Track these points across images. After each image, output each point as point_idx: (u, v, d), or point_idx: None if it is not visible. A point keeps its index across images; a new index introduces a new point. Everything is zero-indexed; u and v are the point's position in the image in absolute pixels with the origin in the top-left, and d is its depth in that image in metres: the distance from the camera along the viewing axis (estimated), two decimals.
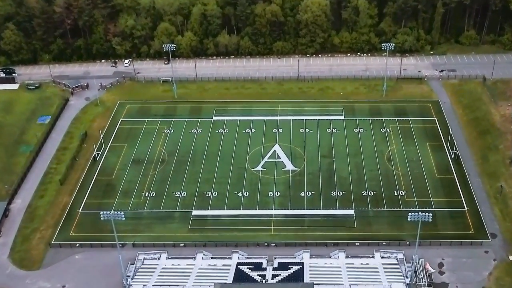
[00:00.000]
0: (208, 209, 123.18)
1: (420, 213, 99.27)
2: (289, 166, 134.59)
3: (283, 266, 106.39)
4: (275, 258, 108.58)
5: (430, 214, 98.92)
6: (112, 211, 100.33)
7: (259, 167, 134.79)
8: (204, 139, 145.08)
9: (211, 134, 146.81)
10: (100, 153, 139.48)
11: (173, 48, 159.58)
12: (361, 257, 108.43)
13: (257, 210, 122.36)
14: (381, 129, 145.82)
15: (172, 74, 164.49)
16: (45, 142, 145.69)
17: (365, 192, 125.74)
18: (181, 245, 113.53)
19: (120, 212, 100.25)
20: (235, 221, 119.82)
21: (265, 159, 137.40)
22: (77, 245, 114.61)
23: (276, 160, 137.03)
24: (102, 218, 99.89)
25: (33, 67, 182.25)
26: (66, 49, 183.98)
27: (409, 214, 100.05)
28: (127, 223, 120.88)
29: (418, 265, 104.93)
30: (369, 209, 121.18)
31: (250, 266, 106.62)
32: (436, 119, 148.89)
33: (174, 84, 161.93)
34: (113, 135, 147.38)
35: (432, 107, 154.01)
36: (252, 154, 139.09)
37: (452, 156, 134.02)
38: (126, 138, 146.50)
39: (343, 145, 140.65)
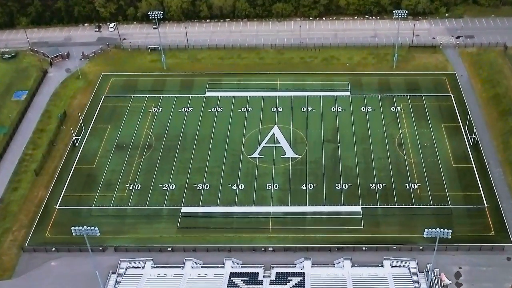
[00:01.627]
0: (199, 205, 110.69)
1: (438, 229, 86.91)
2: (289, 152, 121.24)
3: (281, 278, 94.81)
4: (272, 267, 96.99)
5: (450, 231, 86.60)
6: (85, 227, 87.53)
7: (255, 154, 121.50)
8: (195, 119, 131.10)
9: (203, 114, 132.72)
10: (80, 137, 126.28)
11: (160, 15, 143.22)
12: (369, 266, 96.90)
13: (253, 207, 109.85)
14: (391, 108, 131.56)
15: (161, 41, 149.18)
16: (20, 122, 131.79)
17: (373, 185, 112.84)
18: (168, 249, 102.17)
19: (95, 228, 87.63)
20: (228, 220, 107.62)
21: (263, 144, 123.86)
22: (53, 249, 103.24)
23: (274, 145, 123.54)
24: (74, 234, 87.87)
25: (10, 32, 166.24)
26: (45, 11, 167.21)
27: (425, 230, 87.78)
28: (109, 222, 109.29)
29: (433, 276, 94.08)
30: (378, 206, 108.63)
31: (245, 278, 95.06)
32: (452, 95, 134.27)
33: (163, 55, 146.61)
34: (95, 115, 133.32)
35: (447, 81, 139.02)
36: (248, 138, 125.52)
37: (471, 142, 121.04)
38: (110, 118, 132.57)
39: (349, 127, 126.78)
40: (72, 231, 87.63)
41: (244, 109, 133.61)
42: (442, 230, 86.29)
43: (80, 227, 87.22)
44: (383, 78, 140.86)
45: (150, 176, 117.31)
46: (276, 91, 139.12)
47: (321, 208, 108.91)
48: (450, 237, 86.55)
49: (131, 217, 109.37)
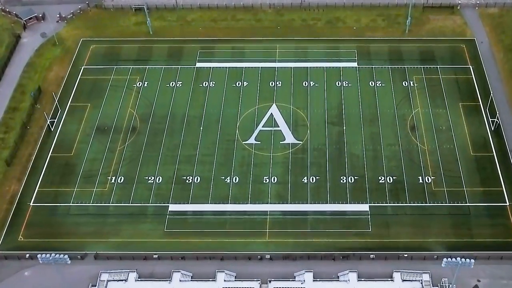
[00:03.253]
0: (188, 203, 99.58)
1: (459, 258, 76.42)
2: (289, 138, 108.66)
3: None
4: (270, 281, 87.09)
5: (472, 261, 75.90)
6: (53, 254, 76.69)
7: (251, 139, 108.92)
8: (184, 96, 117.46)
9: (193, 89, 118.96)
10: (56, 119, 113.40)
11: None
12: (377, 280, 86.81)
13: (249, 205, 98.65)
14: (403, 82, 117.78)
15: (147, 0, 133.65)
16: None
17: (383, 178, 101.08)
18: (154, 256, 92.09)
19: (64, 256, 76.73)
20: (221, 221, 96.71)
21: (260, 127, 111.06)
22: (27, 255, 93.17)
23: (273, 129, 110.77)
24: (41, 262, 77.24)
25: None
26: None
27: (444, 260, 76.82)
28: (89, 222, 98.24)
29: None
30: (388, 203, 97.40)
31: None
32: (471, 67, 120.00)
33: (149, 19, 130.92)
34: (73, 91, 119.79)
35: (466, 49, 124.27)
36: (243, 120, 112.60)
37: (492, 126, 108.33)
38: (90, 95, 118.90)
39: (356, 106, 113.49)
40: (39, 258, 77.04)
41: (239, 84, 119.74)
42: (463, 260, 75.57)
43: (48, 255, 76.25)
44: (394, 45, 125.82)
45: (134, 166, 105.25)
46: (274, 61, 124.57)
47: (325, 207, 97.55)
48: (472, 267, 76.08)
49: (113, 217, 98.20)
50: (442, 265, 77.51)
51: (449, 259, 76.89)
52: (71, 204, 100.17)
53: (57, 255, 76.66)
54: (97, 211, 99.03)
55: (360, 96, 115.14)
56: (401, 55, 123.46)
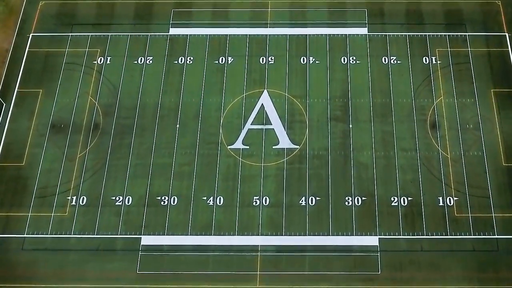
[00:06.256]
0: (164, 233, 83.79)
1: None
2: (284, 140, 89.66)
3: None
4: None
5: None
6: None
7: (238, 143, 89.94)
8: (156, 78, 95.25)
9: (166, 69, 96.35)
10: (2, 113, 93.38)
11: None
12: None
13: (236, 237, 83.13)
14: (424, 58, 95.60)
15: None
16: None
17: (396, 199, 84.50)
18: None
19: None
20: (203, 259, 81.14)
21: (248, 124, 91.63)
22: None
23: (264, 127, 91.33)
24: None
25: None
26: None
27: None
28: (47, 259, 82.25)
29: None
30: (401, 235, 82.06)
31: None
32: (507, 36, 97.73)
33: None
34: (21, 72, 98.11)
35: (502, 8, 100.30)
36: (228, 114, 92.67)
37: None
38: (41, 77, 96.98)
39: (366, 93, 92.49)
40: None
41: (222, 60, 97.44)
42: None
43: None
44: (412, 3, 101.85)
45: (99, 180, 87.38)
46: (266, 25, 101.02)
47: (326, 240, 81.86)
48: None
49: (76, 253, 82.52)
50: None
51: None
52: (25, 236, 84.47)
53: None
54: (56, 245, 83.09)
55: (371, 79, 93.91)
56: (421, 17, 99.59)
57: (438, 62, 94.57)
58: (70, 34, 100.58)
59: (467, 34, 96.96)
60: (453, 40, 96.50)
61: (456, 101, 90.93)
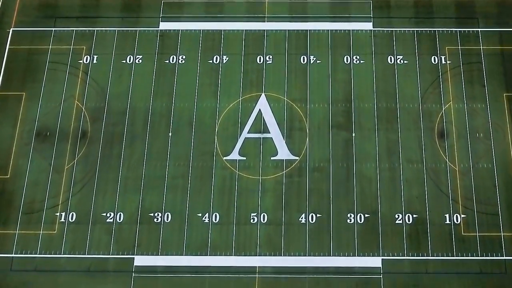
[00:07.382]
0: (158, 253, 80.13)
1: None
2: (283, 151, 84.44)
3: None
4: None
5: None
6: None
7: (235, 153, 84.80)
8: (146, 80, 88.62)
9: (157, 69, 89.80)
10: None
11: None
12: None
13: (233, 257, 79.46)
14: (432, 58, 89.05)
15: None
16: None
17: (400, 216, 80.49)
18: None
19: None
20: (199, 281, 77.33)
21: (245, 133, 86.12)
22: None
23: (262, 136, 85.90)
24: None
25: None
26: None
27: None
28: (37, 282, 79.37)
29: None
30: (405, 256, 78.40)
31: None
32: None
33: None
34: (2, 71, 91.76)
35: None
36: (223, 120, 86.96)
37: None
38: (24, 78, 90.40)
39: (370, 97, 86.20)
40: None
41: (216, 59, 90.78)
42: None
43: None
44: None
45: (88, 194, 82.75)
46: (263, 18, 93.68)
47: (327, 261, 78.36)
48: None
49: (67, 274, 79.06)
50: None
51: None
52: (13, 255, 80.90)
53: None
54: (46, 265, 79.41)
55: (375, 81, 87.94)
56: (431, 10, 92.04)
57: (448, 62, 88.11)
58: (53, 29, 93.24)
59: (479, 29, 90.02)
60: (464, 36, 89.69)
61: (466, 107, 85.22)
